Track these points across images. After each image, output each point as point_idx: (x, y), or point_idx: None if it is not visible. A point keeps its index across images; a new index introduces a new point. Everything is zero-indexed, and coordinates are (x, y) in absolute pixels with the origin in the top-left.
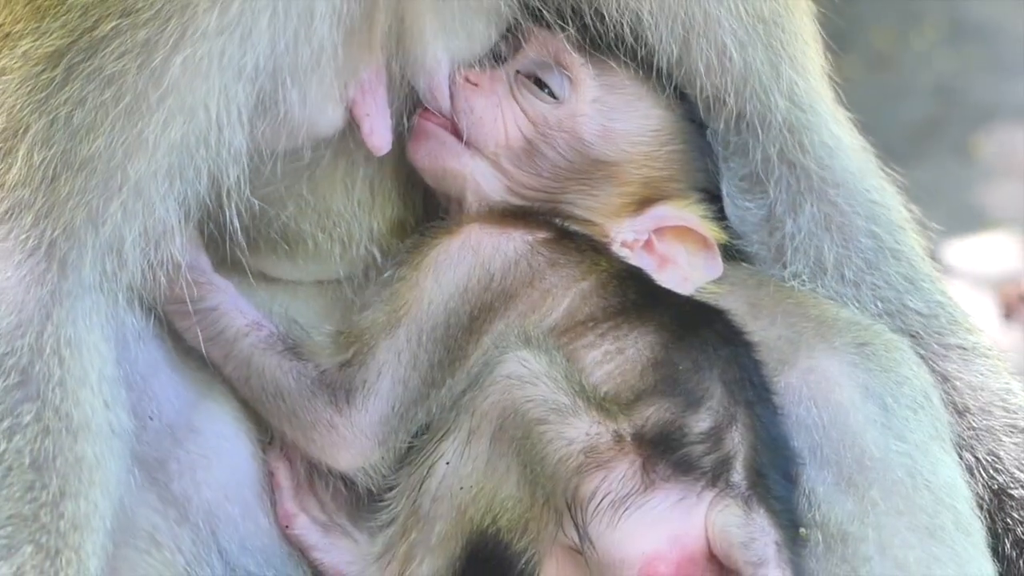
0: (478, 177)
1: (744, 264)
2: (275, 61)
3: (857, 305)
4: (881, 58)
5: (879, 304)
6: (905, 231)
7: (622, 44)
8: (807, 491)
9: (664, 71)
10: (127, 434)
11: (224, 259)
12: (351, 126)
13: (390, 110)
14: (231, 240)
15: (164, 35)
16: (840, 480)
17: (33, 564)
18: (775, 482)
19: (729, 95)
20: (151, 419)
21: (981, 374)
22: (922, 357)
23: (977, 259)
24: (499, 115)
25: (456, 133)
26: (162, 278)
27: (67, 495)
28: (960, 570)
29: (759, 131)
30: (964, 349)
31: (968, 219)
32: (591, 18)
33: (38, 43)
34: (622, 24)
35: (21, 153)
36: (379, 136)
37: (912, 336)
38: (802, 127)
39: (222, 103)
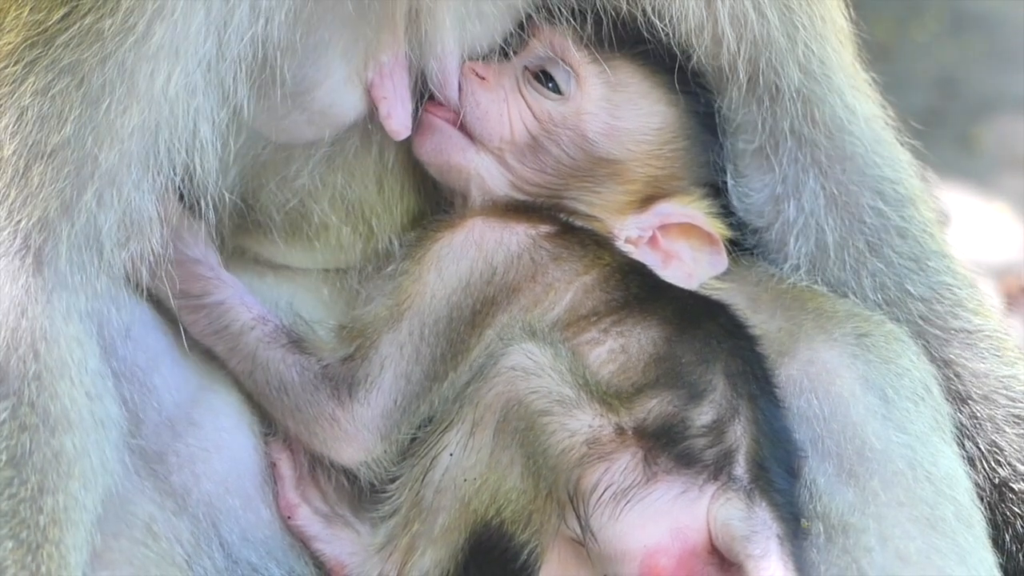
0: (482, 172)
1: (743, 260)
2: (236, 48)
3: (857, 292)
4: (882, 49)
5: (879, 293)
6: (915, 205)
7: (643, 16)
8: (808, 482)
9: (683, 39)
10: (116, 425)
11: (226, 247)
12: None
13: (410, 94)
14: (224, 227)
15: (110, 22)
16: (841, 471)
17: (14, 559)
18: (777, 475)
19: (745, 63)
20: (151, 412)
21: (984, 359)
22: (925, 343)
23: (978, 249)
24: (505, 110)
25: (461, 127)
26: (143, 271)
27: (46, 490)
28: (961, 561)
29: (771, 103)
30: (968, 332)
31: (969, 210)
32: None
33: (0, 41)
34: None
35: None
36: (396, 120)
37: (913, 323)
38: (815, 99)
39: (182, 90)
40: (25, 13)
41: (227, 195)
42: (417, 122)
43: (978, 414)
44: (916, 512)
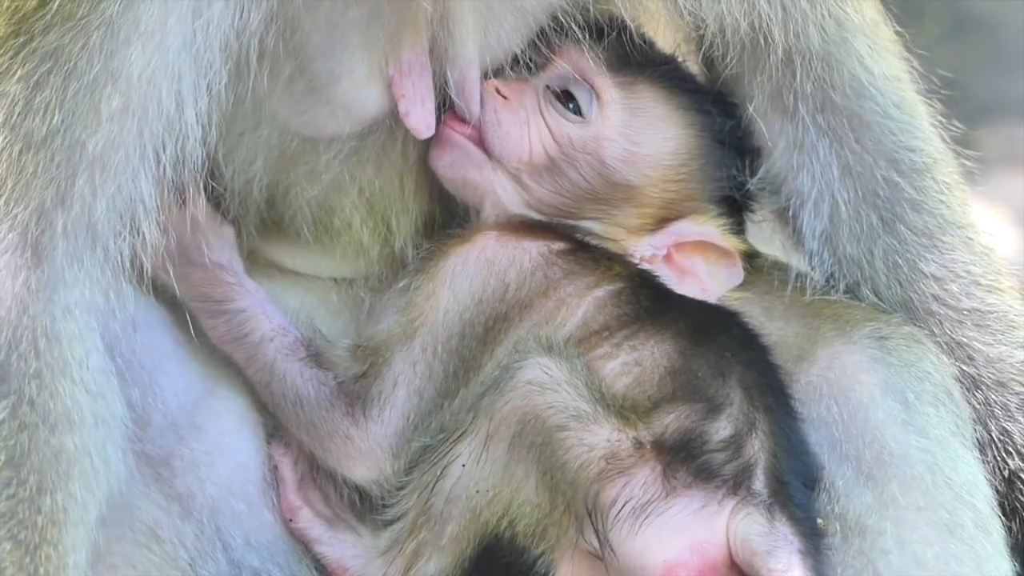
0: (498, 189)
1: (758, 270)
2: (219, 34)
3: (870, 271)
4: None
5: (893, 272)
6: (931, 173)
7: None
8: (827, 485)
9: (715, 18)
10: (120, 423)
11: (241, 249)
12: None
13: (431, 94)
14: (245, 228)
15: (83, 6)
16: (860, 474)
17: (12, 560)
18: (796, 489)
19: (776, 28)
20: (156, 414)
21: (999, 343)
22: (938, 323)
23: None
24: (525, 132)
25: (480, 143)
26: (144, 261)
27: (44, 490)
28: (978, 568)
29: (800, 65)
30: (981, 313)
31: None
32: None
33: None
34: None
35: None
36: (416, 118)
37: (926, 303)
38: (834, 62)
39: (162, 74)
40: (5, 2)
41: (253, 189)
42: (436, 135)
43: (990, 400)
44: (934, 517)
